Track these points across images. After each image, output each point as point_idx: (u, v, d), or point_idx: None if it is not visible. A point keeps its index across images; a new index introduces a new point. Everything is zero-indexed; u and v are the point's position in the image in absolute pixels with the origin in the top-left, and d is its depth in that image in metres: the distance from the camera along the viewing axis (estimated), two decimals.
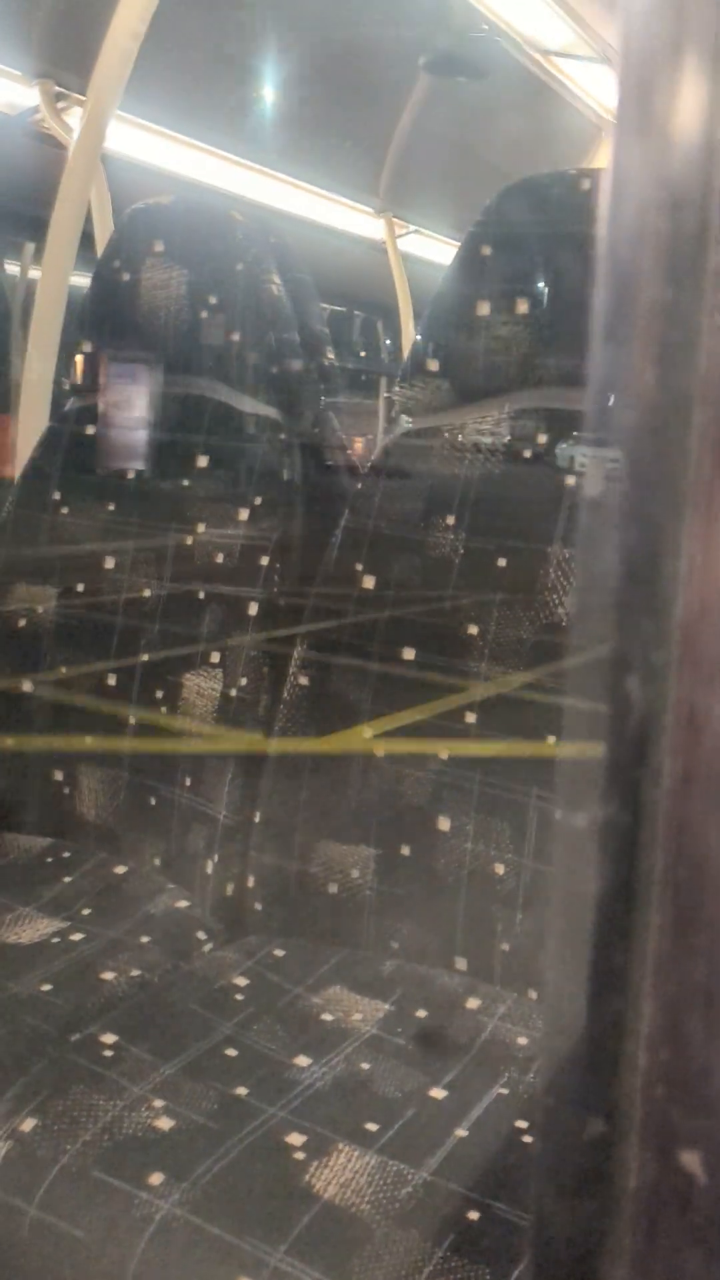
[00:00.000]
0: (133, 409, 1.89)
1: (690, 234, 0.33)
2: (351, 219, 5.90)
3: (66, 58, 3.15)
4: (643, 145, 0.34)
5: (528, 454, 1.50)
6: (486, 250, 1.52)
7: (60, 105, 3.22)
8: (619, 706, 0.36)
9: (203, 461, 1.78)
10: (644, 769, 0.35)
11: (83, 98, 2.79)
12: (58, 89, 3.20)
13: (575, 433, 1.48)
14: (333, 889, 1.44)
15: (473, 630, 1.44)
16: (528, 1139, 1.00)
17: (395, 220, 5.92)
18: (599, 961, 0.36)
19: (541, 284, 1.52)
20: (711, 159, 0.33)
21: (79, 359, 1.93)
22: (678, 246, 0.33)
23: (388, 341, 7.03)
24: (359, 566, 1.54)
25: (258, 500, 1.73)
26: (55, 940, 1.36)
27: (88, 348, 1.86)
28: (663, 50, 0.35)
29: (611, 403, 0.35)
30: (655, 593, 0.34)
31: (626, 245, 0.34)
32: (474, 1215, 0.89)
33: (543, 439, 1.50)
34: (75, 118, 3.10)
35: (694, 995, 0.36)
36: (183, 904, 1.51)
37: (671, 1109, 0.36)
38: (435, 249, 6.47)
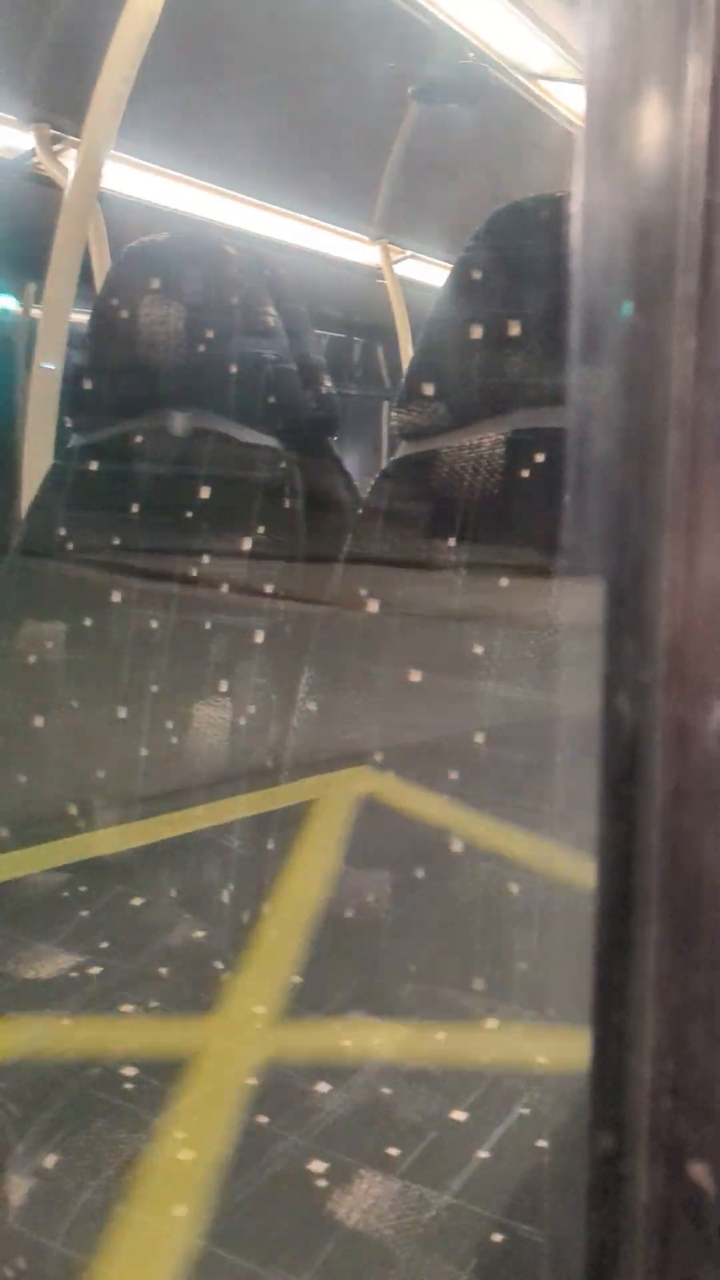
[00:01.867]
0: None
1: (658, 262, 0.34)
2: (348, 246, 5.96)
3: (61, 102, 3.21)
4: (610, 175, 0.35)
5: (526, 474, 1.51)
6: (477, 274, 1.54)
7: (56, 148, 3.27)
8: (611, 725, 0.37)
9: (205, 493, 1.79)
10: (636, 785, 0.36)
11: (77, 139, 2.83)
12: (53, 132, 3.26)
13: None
14: (349, 914, 1.44)
15: (479, 650, 1.45)
16: (549, 1159, 1.00)
17: (391, 246, 5.98)
18: (601, 976, 0.37)
19: (532, 305, 1.53)
20: (677, 188, 0.34)
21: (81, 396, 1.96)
22: (647, 275, 0.34)
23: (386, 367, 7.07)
24: (363, 591, 1.55)
25: (261, 530, 1.74)
26: (74, 975, 1.37)
27: (88, 384, 1.88)
28: (627, 81, 0.37)
29: (590, 429, 0.36)
30: (639, 612, 0.35)
31: (597, 274, 0.35)
32: (498, 1238, 0.89)
33: (540, 458, 1.51)
34: (71, 159, 3.15)
35: (696, 1006, 0.36)
36: (199, 934, 1.51)
37: (678, 1121, 0.36)
38: (433, 273, 6.52)
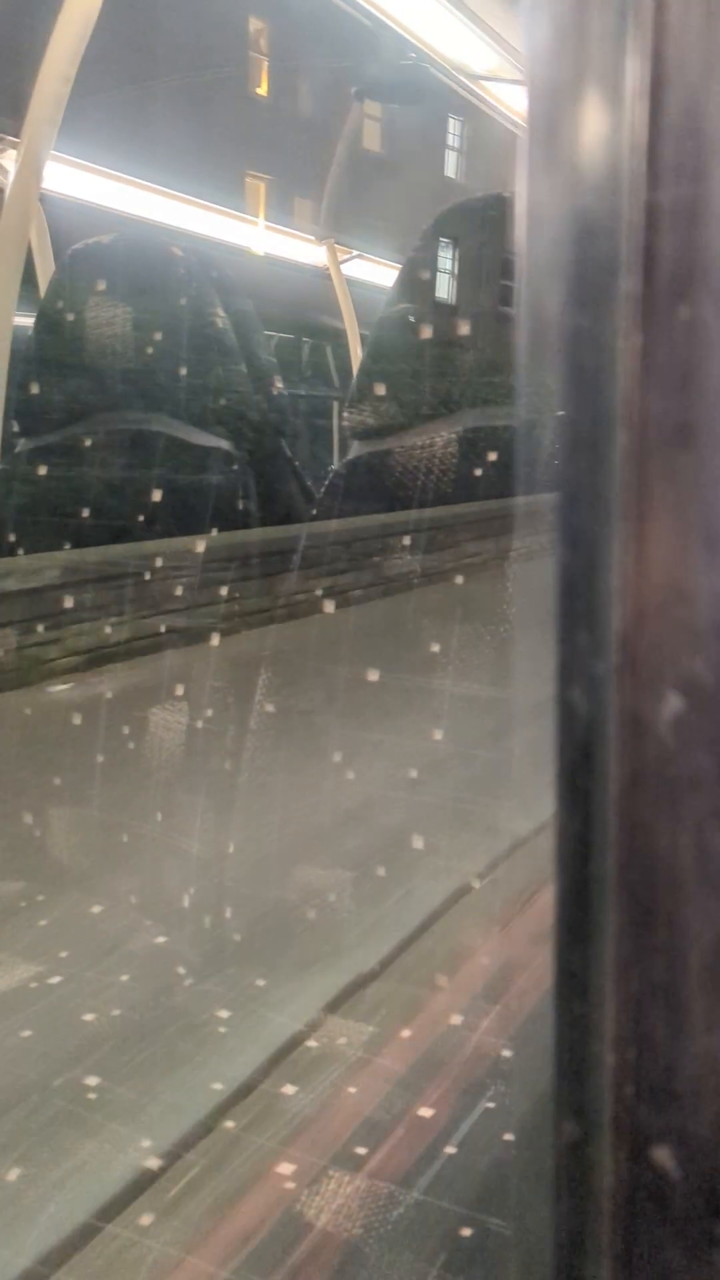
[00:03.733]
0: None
1: (602, 261, 0.34)
2: (295, 246, 5.96)
3: None
4: (552, 176, 0.36)
5: (478, 472, 1.52)
6: (425, 274, 1.55)
7: None
8: (566, 716, 0.37)
9: (157, 496, 1.78)
10: (592, 775, 0.36)
11: (17, 140, 2.80)
12: None
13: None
14: (311, 914, 1.44)
15: (435, 648, 1.45)
16: (515, 1150, 1.01)
17: (337, 246, 5.99)
18: (561, 965, 0.37)
19: (481, 305, 1.55)
20: (619, 188, 0.35)
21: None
22: (590, 274, 0.34)
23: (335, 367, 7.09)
24: (318, 592, 1.55)
25: (214, 531, 1.74)
26: (33, 985, 1.35)
27: (34, 388, 1.87)
28: (568, 85, 0.37)
29: (541, 423, 0.36)
30: (591, 605, 0.35)
31: (542, 274, 0.35)
32: (466, 1231, 0.89)
33: (493, 456, 1.53)
34: (11, 160, 3.11)
35: (655, 993, 0.37)
36: (161, 940, 1.50)
37: (640, 1107, 0.37)
38: (382, 273, 6.55)
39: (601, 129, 0.36)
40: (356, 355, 6.06)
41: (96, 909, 1.55)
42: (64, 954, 1.40)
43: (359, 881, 1.56)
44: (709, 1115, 0.38)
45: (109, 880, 1.68)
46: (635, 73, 0.34)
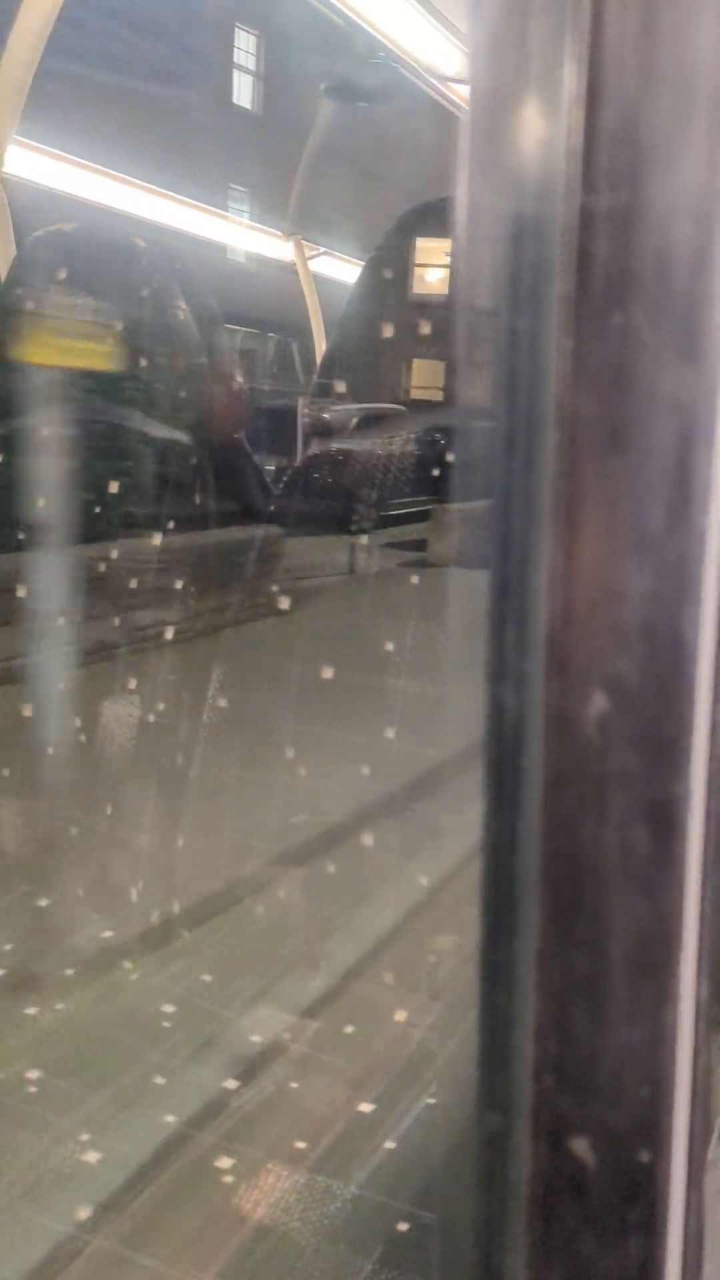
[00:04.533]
0: None
1: (537, 263, 0.35)
2: (262, 241, 5.94)
3: None
4: (490, 179, 0.36)
5: (436, 472, 1.53)
6: (388, 273, 1.55)
7: None
8: (494, 713, 0.38)
9: (114, 487, 1.77)
10: (519, 771, 0.37)
11: None
12: None
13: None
14: (259, 910, 1.44)
15: (389, 647, 1.46)
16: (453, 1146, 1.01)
17: (305, 243, 5.98)
18: (485, 957, 0.38)
19: (442, 305, 1.55)
20: (554, 191, 0.35)
21: None
22: (525, 275, 0.35)
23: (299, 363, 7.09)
24: (274, 588, 1.55)
25: (170, 524, 1.73)
26: None
27: None
28: (508, 88, 0.37)
29: (475, 426, 0.37)
30: (522, 604, 0.36)
31: (478, 275, 0.35)
32: (403, 1226, 0.90)
33: (451, 456, 1.53)
34: None
35: (577, 986, 0.37)
36: (107, 934, 1.49)
37: (560, 1098, 0.37)
38: (348, 270, 6.55)
39: (539, 133, 0.36)
40: (321, 351, 6.06)
41: None
42: None
43: None
44: (628, 1107, 0.38)
45: None
46: (573, 79, 0.34)
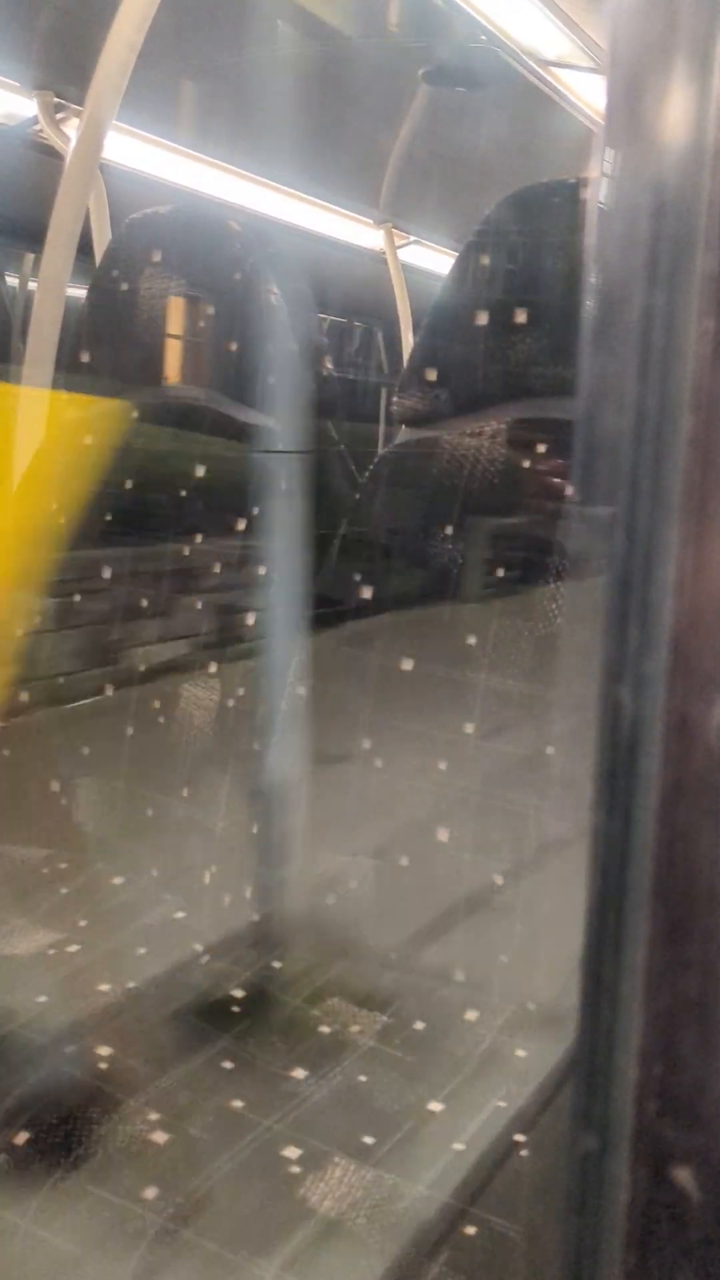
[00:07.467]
0: None
1: (679, 238, 0.32)
2: (352, 229, 5.92)
3: (65, 69, 3.17)
4: (631, 151, 0.34)
5: (526, 463, 1.50)
6: (485, 260, 1.52)
7: (59, 116, 3.22)
8: (610, 716, 0.36)
9: (200, 471, 1.77)
10: (635, 779, 0.35)
11: (80, 108, 2.79)
12: (56, 100, 3.21)
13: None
14: (330, 899, 1.44)
15: (471, 640, 1.43)
16: (525, 1153, 1.00)
17: (395, 231, 5.94)
18: (590, 973, 0.36)
19: (540, 293, 1.52)
20: (700, 163, 0.33)
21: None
22: (667, 251, 0.32)
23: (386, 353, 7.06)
24: (357, 576, 1.54)
25: (255, 510, 1.72)
26: (51, 952, 1.36)
27: (85, 357, 1.86)
28: (652, 56, 0.35)
29: (601, 411, 0.35)
30: (646, 601, 0.34)
31: (616, 251, 0.33)
32: (470, 1230, 0.88)
33: (542, 448, 1.50)
34: (74, 128, 3.11)
35: (687, 1008, 0.35)
36: (180, 915, 1.50)
37: (664, 1125, 0.36)
38: (437, 260, 6.50)
39: (685, 102, 0.34)
40: (408, 342, 6.02)
41: None
42: None
43: None
44: None
45: None
46: None
